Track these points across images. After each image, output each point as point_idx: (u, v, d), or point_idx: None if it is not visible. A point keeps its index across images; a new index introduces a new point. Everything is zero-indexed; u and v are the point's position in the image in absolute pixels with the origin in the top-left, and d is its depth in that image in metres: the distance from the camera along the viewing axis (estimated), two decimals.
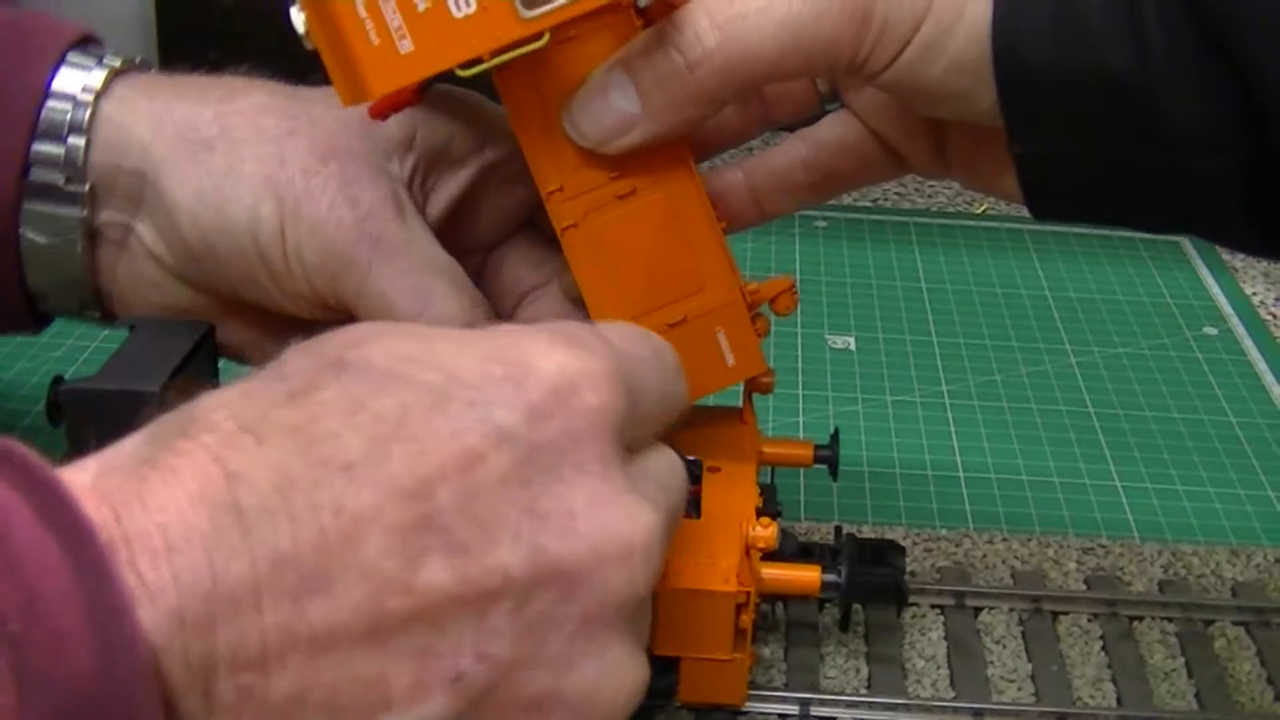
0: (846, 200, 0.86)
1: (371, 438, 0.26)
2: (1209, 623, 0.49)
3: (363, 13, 0.33)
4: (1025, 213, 0.94)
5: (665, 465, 0.32)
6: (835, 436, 0.48)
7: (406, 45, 0.33)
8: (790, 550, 0.45)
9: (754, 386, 0.47)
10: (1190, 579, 0.51)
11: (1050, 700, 0.45)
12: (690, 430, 0.46)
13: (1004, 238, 0.81)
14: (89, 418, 0.40)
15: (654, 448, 0.33)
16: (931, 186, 0.88)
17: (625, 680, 0.29)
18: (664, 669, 0.41)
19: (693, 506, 0.43)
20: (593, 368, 0.29)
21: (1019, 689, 0.45)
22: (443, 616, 0.26)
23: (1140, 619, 0.49)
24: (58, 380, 0.42)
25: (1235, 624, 0.49)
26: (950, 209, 0.86)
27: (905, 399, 0.64)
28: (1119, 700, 0.45)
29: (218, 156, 0.41)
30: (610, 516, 0.28)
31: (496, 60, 0.34)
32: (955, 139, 0.42)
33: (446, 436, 0.27)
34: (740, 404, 0.47)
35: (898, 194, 0.87)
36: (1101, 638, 0.48)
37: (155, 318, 0.44)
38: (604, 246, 0.39)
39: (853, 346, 0.68)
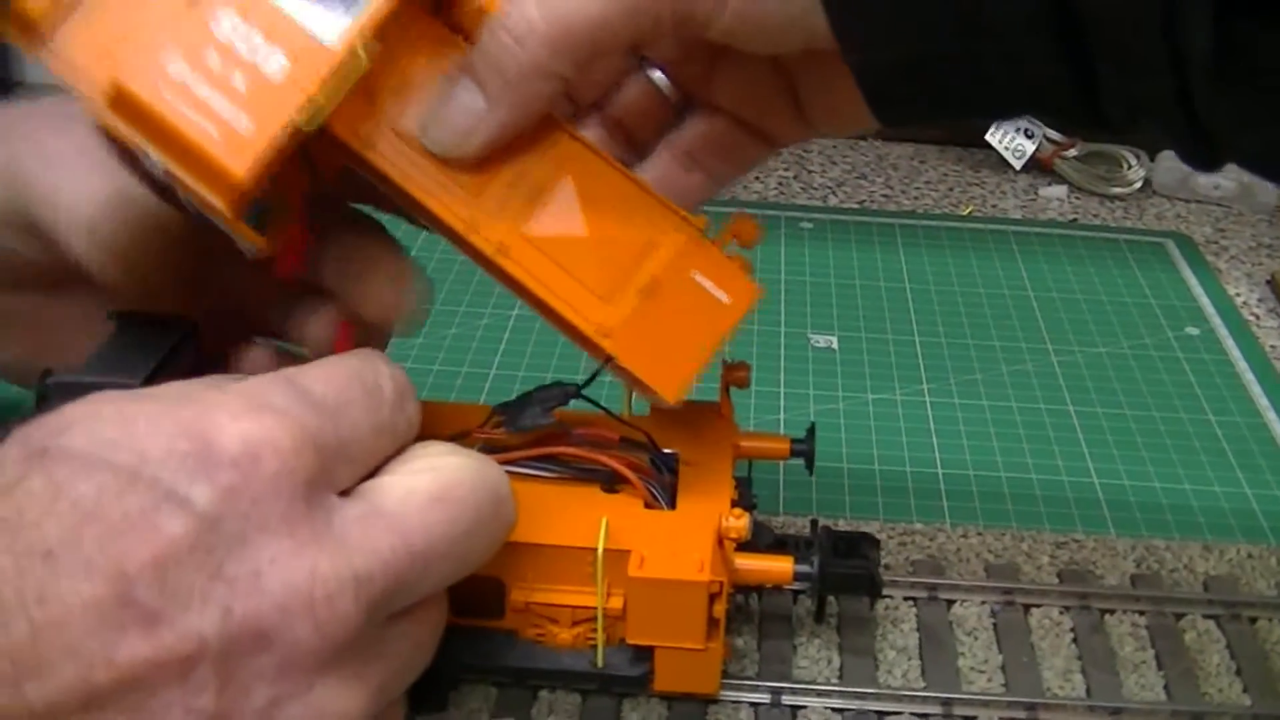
0: (832, 202, 0.87)
1: (69, 524, 0.29)
2: (1180, 616, 0.49)
3: (193, 115, 0.34)
4: (1010, 214, 0.95)
5: (385, 498, 0.34)
6: (811, 431, 0.49)
7: (244, 123, 0.34)
8: (766, 542, 0.46)
9: (731, 380, 0.48)
10: (1163, 573, 0.52)
11: (1019, 690, 0.45)
12: (668, 424, 0.46)
13: (989, 239, 0.82)
14: None
15: (372, 486, 0.35)
16: (917, 188, 0.89)
17: (331, 714, 0.32)
18: (638, 658, 0.42)
19: (668, 498, 0.43)
20: (275, 434, 0.32)
21: (989, 679, 0.46)
22: (149, 681, 0.29)
23: (1111, 612, 0.49)
24: (46, 373, 0.43)
25: (1206, 617, 0.49)
26: (936, 210, 0.87)
27: (886, 397, 0.65)
28: (1088, 691, 0.46)
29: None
30: (292, 572, 0.31)
31: (328, 97, 0.35)
32: (808, 94, 0.42)
33: (135, 516, 0.30)
34: (718, 399, 0.48)
35: (884, 196, 0.88)
36: (1072, 630, 0.48)
37: (139, 312, 0.45)
38: (541, 252, 0.39)
39: (835, 346, 0.69)
